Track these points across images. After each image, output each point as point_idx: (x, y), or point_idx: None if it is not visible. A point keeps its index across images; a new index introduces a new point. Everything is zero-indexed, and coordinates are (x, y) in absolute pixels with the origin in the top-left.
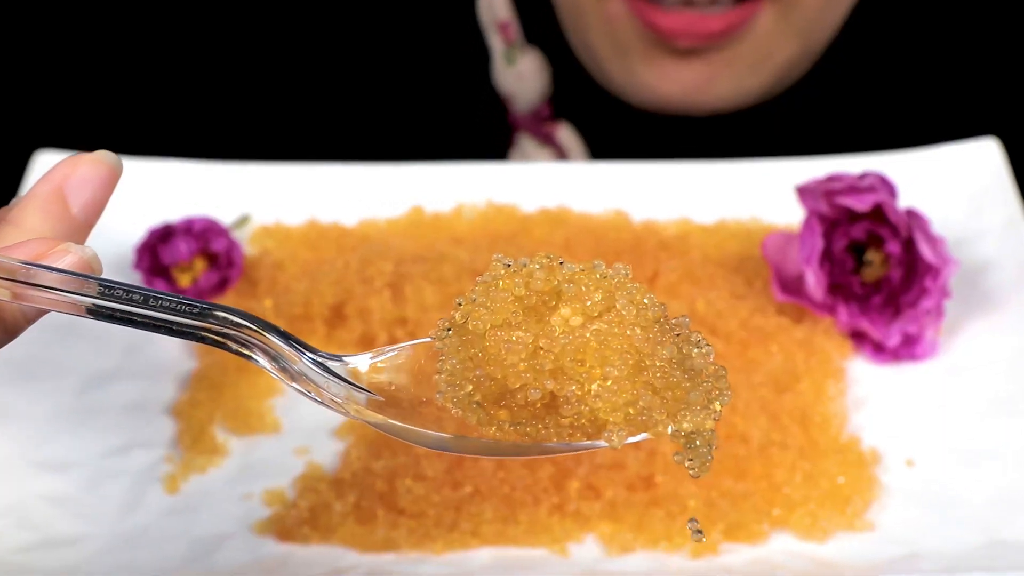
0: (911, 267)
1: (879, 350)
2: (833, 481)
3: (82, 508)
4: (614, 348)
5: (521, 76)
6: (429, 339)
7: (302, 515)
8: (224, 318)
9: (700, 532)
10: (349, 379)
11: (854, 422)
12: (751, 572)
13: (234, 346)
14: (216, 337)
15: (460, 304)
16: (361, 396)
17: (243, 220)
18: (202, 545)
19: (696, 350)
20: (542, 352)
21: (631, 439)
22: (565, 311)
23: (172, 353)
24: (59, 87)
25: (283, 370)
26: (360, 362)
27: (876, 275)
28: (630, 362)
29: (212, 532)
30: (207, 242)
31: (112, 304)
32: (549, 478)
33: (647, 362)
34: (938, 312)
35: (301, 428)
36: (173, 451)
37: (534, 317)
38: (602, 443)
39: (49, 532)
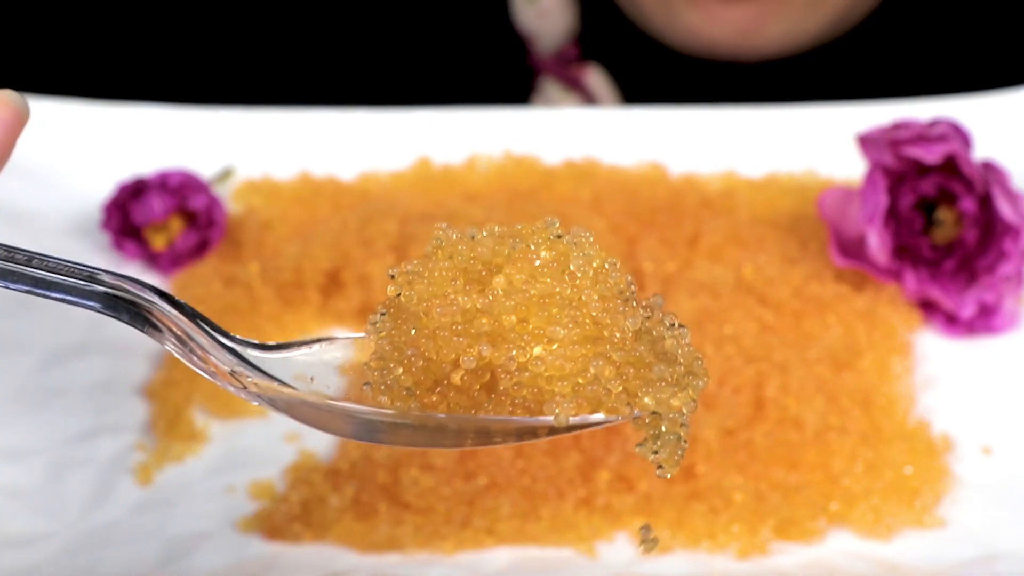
0: (988, 227)
1: (951, 322)
2: (899, 472)
3: (41, 502)
4: (564, 308)
5: (544, 13)
6: (363, 335)
7: (293, 510)
8: (114, 284)
9: (654, 540)
10: (258, 365)
11: (923, 404)
12: (806, 575)
13: (126, 317)
14: (104, 304)
15: (393, 276)
16: (278, 387)
17: (226, 173)
18: (178, 545)
19: (669, 332)
20: (479, 315)
21: (582, 418)
22: (508, 268)
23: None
24: (21, 24)
25: (184, 348)
26: (279, 352)
27: (948, 236)
28: (584, 329)
29: (190, 530)
30: (184, 199)
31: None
32: (575, 468)
33: (605, 333)
34: (1019, 279)
35: None
36: (145, 437)
37: (477, 288)
38: (547, 418)
39: (4, 529)
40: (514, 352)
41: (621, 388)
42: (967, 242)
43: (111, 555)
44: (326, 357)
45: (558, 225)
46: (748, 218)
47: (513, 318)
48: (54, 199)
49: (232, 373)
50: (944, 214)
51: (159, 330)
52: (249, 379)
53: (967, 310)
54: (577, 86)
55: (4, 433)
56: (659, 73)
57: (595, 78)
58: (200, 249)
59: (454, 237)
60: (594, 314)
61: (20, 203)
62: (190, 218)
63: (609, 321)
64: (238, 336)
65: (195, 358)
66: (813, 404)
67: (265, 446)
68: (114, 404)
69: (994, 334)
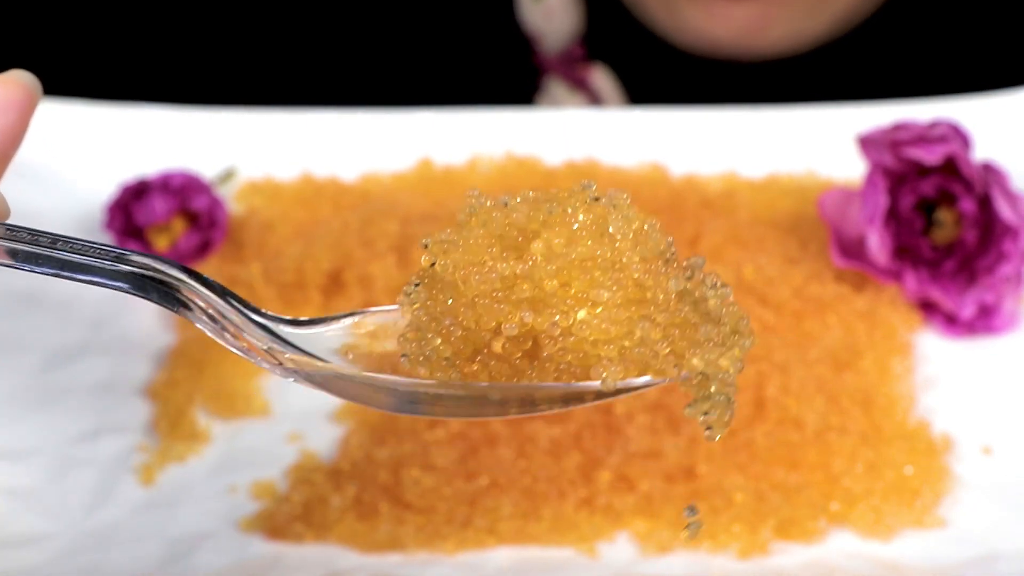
0: (988, 228)
1: (951, 322)
2: (899, 472)
3: (44, 502)
4: (606, 271)
5: (550, 12)
6: (395, 307)
7: (295, 510)
8: (143, 263)
9: (698, 523)
10: (292, 342)
11: (923, 404)
12: (806, 575)
13: (155, 297)
14: (132, 285)
15: (427, 246)
16: (316, 363)
17: (228, 174)
18: (180, 545)
19: (712, 292)
20: (519, 281)
21: (628, 381)
22: (546, 233)
23: (147, 326)
24: (24, 25)
25: (216, 326)
26: (312, 327)
27: (948, 237)
28: (627, 291)
29: (192, 530)
30: (187, 199)
31: (13, 245)
32: (576, 468)
33: (648, 295)
34: (1018, 279)
35: (293, 411)
36: (148, 437)
37: (514, 254)
38: (594, 383)
39: (6, 530)
40: (557, 317)
41: (668, 350)
42: (967, 243)
43: (113, 555)
44: (359, 331)
45: (595, 188)
46: (748, 219)
47: (555, 282)
48: (56, 200)
49: (268, 350)
50: (944, 215)
51: (190, 309)
52: (285, 356)
53: (967, 310)
54: (583, 86)
55: (6, 433)
56: (665, 73)
57: (600, 78)
58: (202, 250)
59: (487, 204)
60: (636, 276)
61: (22, 204)
62: (192, 219)
63: (652, 283)
64: (270, 312)
65: (228, 336)
66: (813, 404)
67: (267, 446)
68: (116, 404)
69: (994, 334)
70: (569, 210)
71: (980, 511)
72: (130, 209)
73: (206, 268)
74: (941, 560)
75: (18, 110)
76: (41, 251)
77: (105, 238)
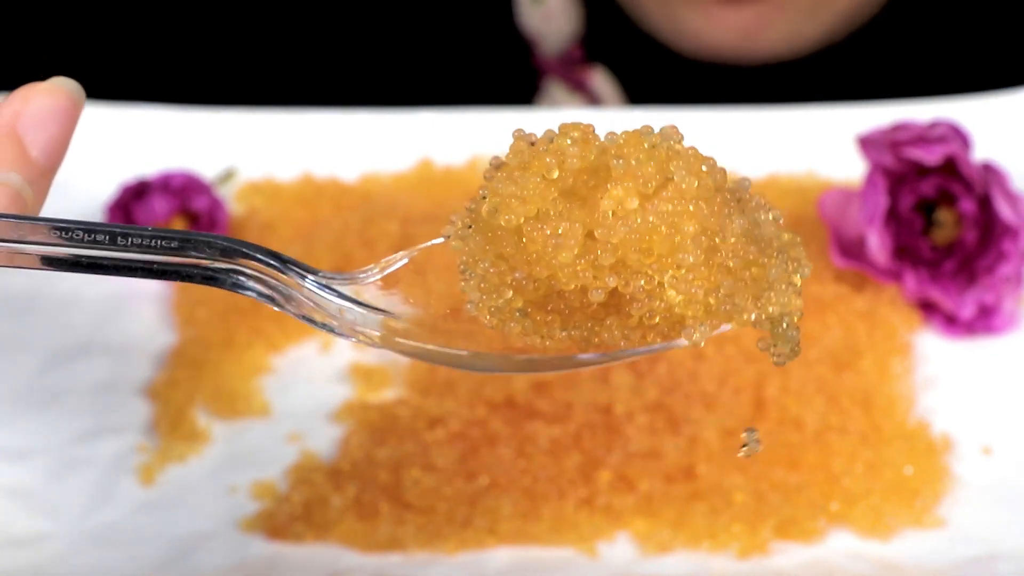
0: (987, 228)
1: (951, 322)
2: (899, 472)
3: (44, 502)
4: (683, 230)
5: (549, 14)
6: (441, 239)
7: (295, 510)
8: (207, 246)
9: (757, 442)
10: (361, 300)
11: (923, 404)
12: (806, 575)
13: (229, 281)
14: (203, 273)
15: (484, 196)
16: (376, 319)
17: (228, 175)
18: (181, 545)
19: (764, 216)
20: (598, 244)
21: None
22: (617, 191)
23: (147, 326)
24: (24, 24)
25: (288, 301)
26: (368, 278)
27: (948, 237)
28: (703, 244)
29: (192, 530)
30: (187, 200)
31: (73, 250)
32: (576, 468)
33: (718, 240)
34: (1018, 279)
35: (294, 411)
36: (148, 438)
37: (576, 202)
38: (680, 342)
39: (6, 530)
40: (643, 282)
41: (749, 299)
42: (967, 243)
43: (113, 555)
44: (409, 272)
45: (652, 134)
46: None
47: (636, 251)
48: (56, 200)
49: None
50: (944, 215)
51: (255, 289)
52: (381, 333)
53: (967, 311)
54: (582, 88)
55: (7, 433)
56: (664, 75)
57: (600, 80)
58: None
59: (535, 147)
60: (705, 223)
61: None
62: (192, 219)
63: (719, 228)
64: (329, 272)
65: (304, 313)
66: (813, 404)
67: (267, 446)
68: (116, 404)
69: (994, 334)
70: (633, 162)
71: (980, 511)
72: (130, 209)
73: None
74: (941, 560)
75: (64, 119)
76: (103, 253)
77: None
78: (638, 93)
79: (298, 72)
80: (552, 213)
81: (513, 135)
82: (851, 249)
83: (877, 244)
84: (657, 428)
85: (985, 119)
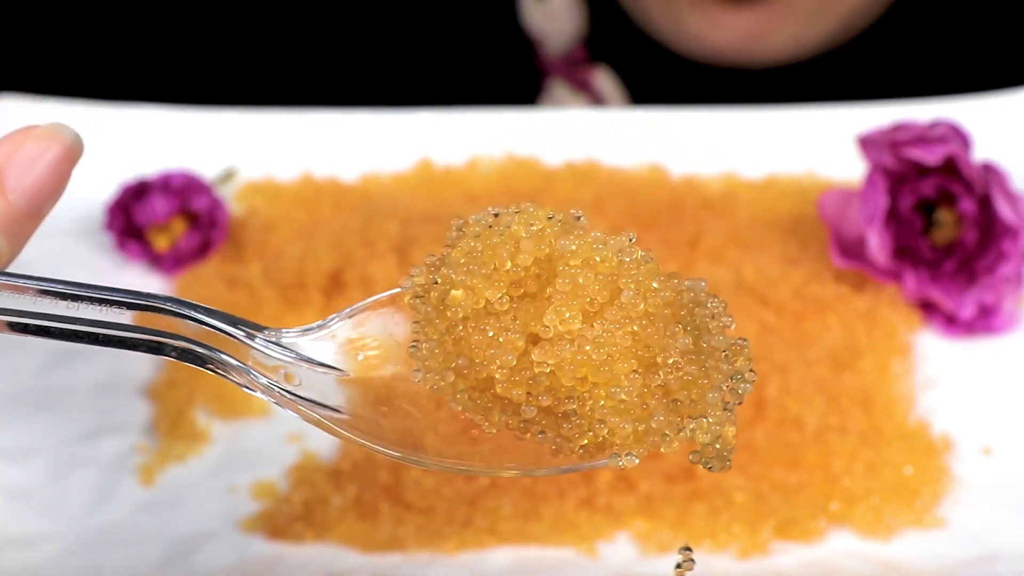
0: (987, 228)
1: (951, 322)
2: (899, 472)
3: (45, 502)
4: (621, 355)
5: (553, 15)
6: (399, 290)
7: (295, 510)
8: (155, 310)
9: (692, 561)
10: (310, 357)
11: (923, 405)
12: (806, 575)
13: (173, 351)
14: (148, 344)
15: (436, 282)
16: (330, 382)
17: (228, 175)
18: (181, 545)
19: (712, 323)
20: (536, 363)
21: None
22: (561, 309)
23: None
24: (24, 25)
25: (232, 371)
26: (315, 335)
27: (948, 237)
28: (640, 366)
29: (193, 530)
30: (187, 200)
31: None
32: None
33: (659, 359)
34: (1018, 279)
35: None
36: (148, 438)
37: (523, 296)
38: (606, 462)
39: (7, 530)
40: (574, 407)
41: (680, 430)
42: (967, 243)
43: (114, 555)
44: (364, 325)
45: (609, 245)
46: (748, 219)
47: (573, 378)
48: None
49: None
50: (944, 215)
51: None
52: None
53: (967, 311)
54: (585, 88)
55: (7, 433)
56: (668, 75)
57: (604, 80)
58: (203, 250)
59: (492, 230)
60: (648, 342)
61: None
62: (193, 219)
63: (662, 346)
64: (271, 328)
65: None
66: (813, 405)
67: (267, 446)
68: (117, 405)
69: (994, 334)
70: (580, 280)
71: (980, 511)
72: (130, 209)
73: (206, 268)
74: (941, 560)
75: (53, 166)
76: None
77: (105, 238)
78: (641, 93)
79: (298, 72)
80: (498, 311)
81: (471, 219)
82: (851, 249)
83: (877, 244)
84: None
85: (985, 119)
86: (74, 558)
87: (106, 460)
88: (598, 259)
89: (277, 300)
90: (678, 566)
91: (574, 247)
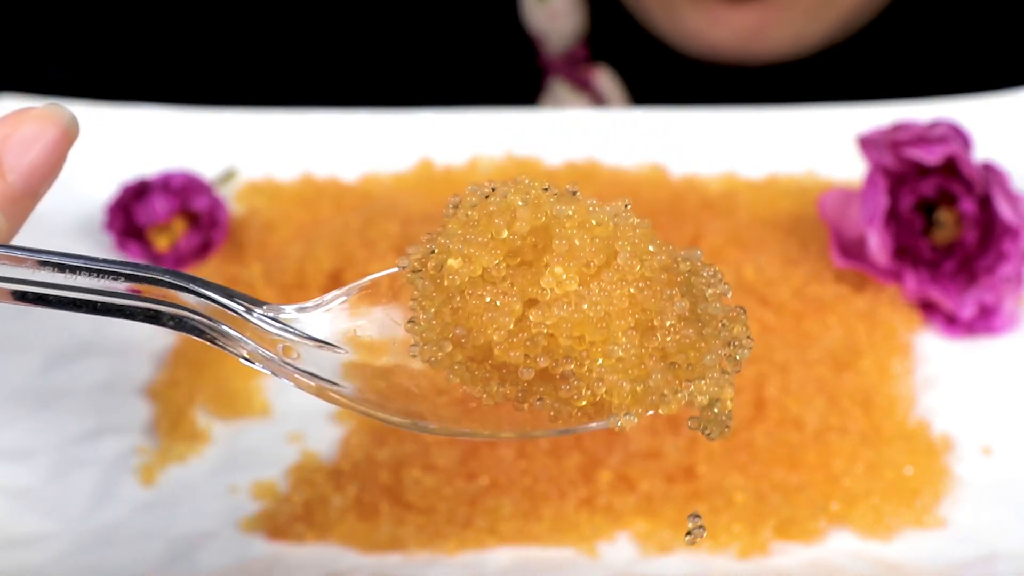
0: (988, 228)
1: (951, 323)
2: (899, 472)
3: (45, 502)
4: (618, 315)
5: (554, 14)
6: (396, 269)
7: (295, 510)
8: (151, 281)
9: (701, 528)
10: (308, 334)
11: (923, 405)
12: (806, 575)
13: (170, 320)
14: (146, 312)
15: (433, 251)
16: (328, 358)
17: (228, 175)
18: (182, 544)
19: (709, 291)
20: (533, 324)
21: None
22: (557, 270)
23: (147, 327)
24: (24, 24)
25: (229, 341)
26: (313, 313)
27: (948, 237)
28: (637, 328)
29: (193, 530)
30: (187, 200)
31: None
32: (576, 468)
33: (656, 322)
34: (1018, 279)
35: (294, 412)
36: (148, 438)
37: (519, 264)
38: (604, 424)
39: (7, 530)
40: (572, 367)
41: (678, 390)
42: (967, 243)
43: (114, 555)
44: (362, 304)
45: (597, 203)
46: (749, 219)
47: (570, 336)
48: (57, 200)
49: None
50: (944, 215)
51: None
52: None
53: (967, 311)
54: (586, 87)
55: (8, 433)
56: (669, 74)
57: (605, 79)
58: (203, 250)
59: (487, 200)
60: (644, 304)
61: None
62: (193, 219)
63: (659, 309)
64: (271, 304)
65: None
66: (814, 405)
67: (267, 446)
68: (117, 404)
69: (994, 335)
70: (577, 242)
71: (980, 511)
72: (131, 209)
73: (206, 268)
74: (941, 560)
75: (50, 148)
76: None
77: (106, 238)
78: (642, 92)
79: (298, 72)
80: (494, 277)
81: (467, 190)
82: (851, 249)
83: (877, 244)
84: (657, 428)
85: (985, 119)
86: (74, 558)
87: (106, 460)
88: (594, 222)
89: (277, 300)
90: (688, 533)
91: (570, 212)
